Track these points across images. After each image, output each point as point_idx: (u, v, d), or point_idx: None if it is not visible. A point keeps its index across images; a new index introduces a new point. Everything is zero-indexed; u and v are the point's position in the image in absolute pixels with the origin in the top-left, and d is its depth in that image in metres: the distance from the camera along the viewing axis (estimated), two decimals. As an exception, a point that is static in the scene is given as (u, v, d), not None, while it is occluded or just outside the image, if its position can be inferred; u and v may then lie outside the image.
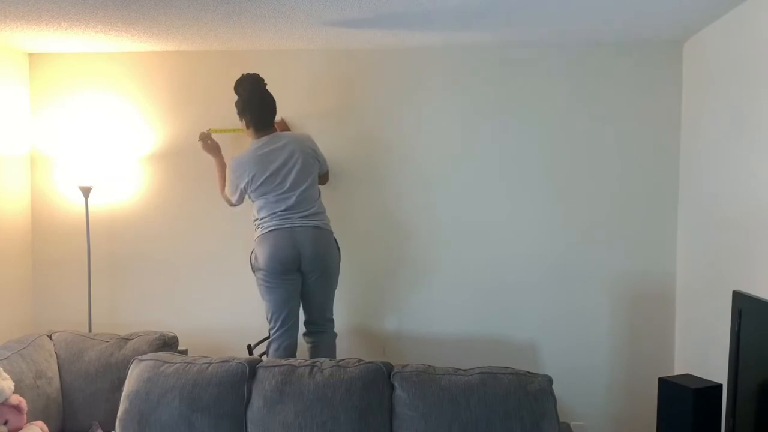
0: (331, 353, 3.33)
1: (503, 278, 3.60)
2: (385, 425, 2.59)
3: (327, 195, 3.46)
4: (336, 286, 3.33)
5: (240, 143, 3.50)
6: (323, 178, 3.46)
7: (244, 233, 3.68)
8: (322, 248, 3.21)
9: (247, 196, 3.29)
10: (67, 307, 3.70)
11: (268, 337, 3.42)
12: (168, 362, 2.77)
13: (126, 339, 3.20)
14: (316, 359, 2.78)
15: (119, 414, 2.72)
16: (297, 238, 3.15)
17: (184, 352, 3.27)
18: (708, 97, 3.16)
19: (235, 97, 3.27)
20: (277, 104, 3.28)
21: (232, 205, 3.39)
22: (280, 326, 3.23)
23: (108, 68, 3.68)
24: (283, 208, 3.18)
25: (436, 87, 3.58)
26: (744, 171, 2.74)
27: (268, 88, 3.26)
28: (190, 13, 2.91)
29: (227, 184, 3.34)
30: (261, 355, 3.31)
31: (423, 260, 3.64)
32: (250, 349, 3.30)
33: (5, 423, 2.67)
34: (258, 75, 3.25)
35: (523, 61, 3.55)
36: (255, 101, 3.23)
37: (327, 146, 3.57)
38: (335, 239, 3.31)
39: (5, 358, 2.88)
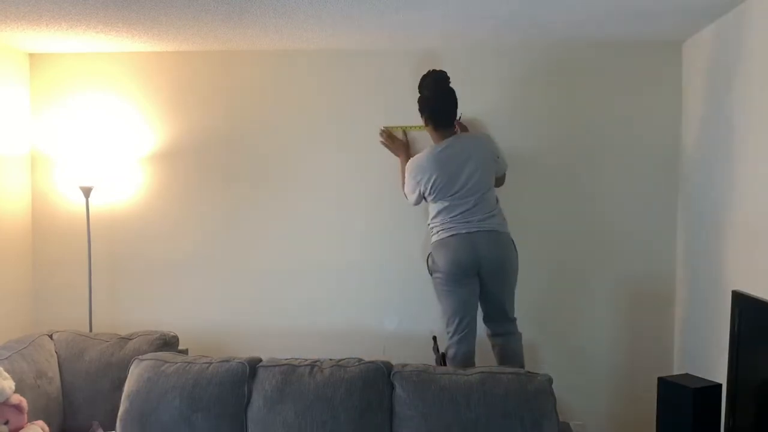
0: (517, 358, 3.23)
1: (503, 278, 3.60)
2: (385, 425, 2.59)
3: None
4: (515, 286, 3.25)
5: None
6: (500, 179, 3.36)
7: (244, 233, 3.68)
8: (502, 252, 3.15)
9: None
10: (67, 307, 3.70)
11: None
12: (168, 362, 2.78)
13: (126, 339, 3.20)
14: (316, 360, 2.78)
15: (120, 414, 2.73)
16: (476, 242, 3.10)
17: (185, 352, 3.27)
18: (708, 97, 3.16)
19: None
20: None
21: (413, 203, 3.33)
22: (458, 332, 3.16)
23: (108, 68, 3.68)
24: (462, 211, 3.13)
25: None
26: (743, 171, 2.74)
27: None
28: (190, 14, 2.91)
29: (406, 183, 3.30)
30: (443, 354, 3.29)
31: (423, 260, 3.64)
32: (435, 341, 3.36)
33: (6, 423, 2.67)
34: (444, 72, 3.19)
35: (523, 61, 3.55)
36: (438, 98, 3.18)
37: (323, 146, 3.58)
38: (512, 240, 3.23)
39: (6, 358, 2.88)
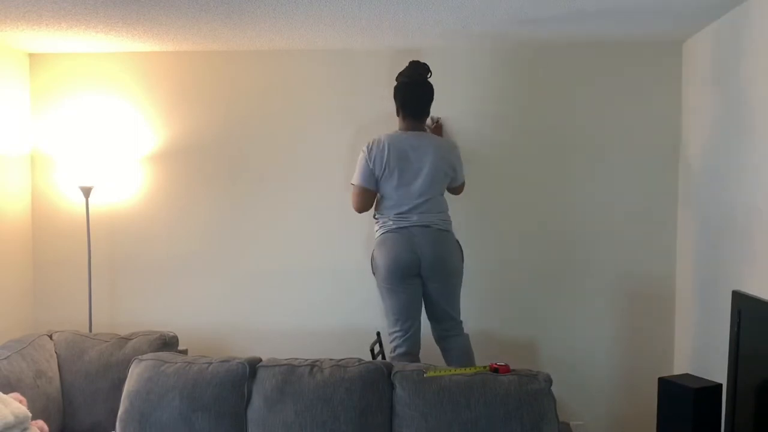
0: (467, 358, 3.16)
1: (503, 278, 3.60)
2: (385, 425, 2.59)
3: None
4: (460, 287, 3.19)
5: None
6: (457, 188, 3.34)
7: (244, 233, 3.68)
8: (442, 251, 3.09)
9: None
10: (67, 307, 3.70)
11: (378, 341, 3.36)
12: (168, 362, 2.78)
13: (126, 339, 3.20)
14: (316, 359, 2.78)
15: (119, 414, 2.73)
16: (416, 241, 3.05)
17: (185, 352, 3.27)
18: (708, 97, 3.16)
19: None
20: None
21: (358, 182, 3.16)
22: (402, 333, 3.10)
23: (108, 68, 3.68)
24: (405, 209, 3.09)
25: (437, 87, 3.57)
26: (743, 171, 2.74)
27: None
28: (190, 13, 2.91)
29: (356, 173, 3.18)
30: (377, 354, 3.26)
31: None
32: (373, 352, 3.24)
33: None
34: (425, 65, 3.15)
35: (523, 61, 3.55)
36: (411, 87, 3.14)
37: (323, 147, 3.58)
38: (457, 240, 3.19)
39: (5, 358, 2.88)
